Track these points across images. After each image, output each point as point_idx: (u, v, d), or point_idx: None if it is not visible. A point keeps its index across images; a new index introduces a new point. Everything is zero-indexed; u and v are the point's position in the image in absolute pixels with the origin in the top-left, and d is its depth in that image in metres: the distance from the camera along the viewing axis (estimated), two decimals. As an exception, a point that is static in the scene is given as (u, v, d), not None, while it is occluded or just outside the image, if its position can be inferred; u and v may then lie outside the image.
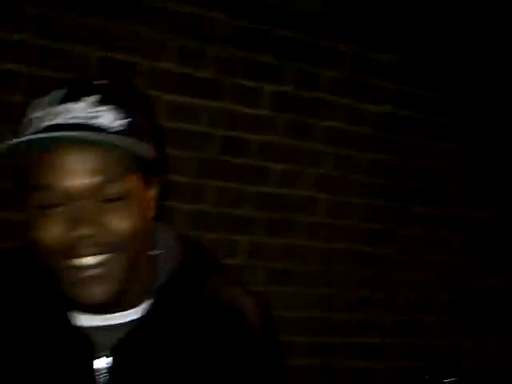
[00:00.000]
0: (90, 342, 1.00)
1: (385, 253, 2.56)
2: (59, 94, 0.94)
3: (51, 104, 0.94)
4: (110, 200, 0.93)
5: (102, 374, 1.00)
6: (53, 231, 0.92)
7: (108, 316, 1.02)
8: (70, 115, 0.92)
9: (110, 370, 1.00)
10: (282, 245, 2.37)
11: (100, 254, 0.94)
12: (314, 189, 2.42)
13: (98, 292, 0.95)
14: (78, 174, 0.92)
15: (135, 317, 1.02)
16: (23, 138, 0.92)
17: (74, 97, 0.94)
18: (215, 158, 2.22)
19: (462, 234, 2.72)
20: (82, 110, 0.93)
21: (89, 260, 0.93)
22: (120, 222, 0.94)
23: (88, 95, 0.94)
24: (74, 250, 0.92)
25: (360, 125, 2.48)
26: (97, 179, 0.93)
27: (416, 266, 2.62)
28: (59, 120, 0.92)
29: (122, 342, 1.01)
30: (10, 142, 0.91)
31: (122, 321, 1.02)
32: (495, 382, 2.72)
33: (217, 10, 2.17)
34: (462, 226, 2.71)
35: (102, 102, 0.94)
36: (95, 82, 0.98)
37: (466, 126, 2.68)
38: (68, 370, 0.99)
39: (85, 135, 0.91)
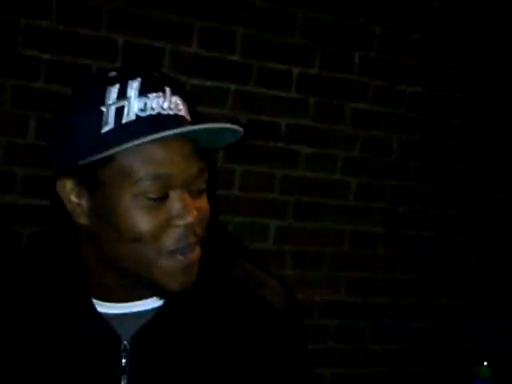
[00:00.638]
0: (113, 330, 1.00)
1: (418, 234, 2.53)
2: (136, 83, 0.96)
3: (142, 94, 0.95)
4: (199, 191, 0.99)
5: (122, 361, 1.00)
6: (159, 221, 0.95)
7: (130, 304, 1.02)
8: (166, 106, 0.96)
9: (131, 357, 1.00)
10: (311, 229, 2.35)
11: (196, 242, 0.98)
12: (344, 172, 2.39)
13: (190, 278, 0.99)
14: (193, 163, 0.96)
15: (157, 304, 1.02)
16: (194, 127, 0.95)
17: (153, 88, 0.96)
18: (243, 141, 2.20)
19: (501, 214, 2.66)
20: (172, 102, 0.97)
21: (191, 248, 0.97)
22: (206, 213, 1.00)
23: (163, 86, 0.97)
24: (181, 239, 0.96)
25: (391, 106, 2.43)
26: (204, 170, 0.98)
27: (453, 246, 2.58)
28: (168, 111, 0.96)
29: (143, 330, 1.01)
30: (169, 132, 0.93)
31: (143, 308, 1.02)
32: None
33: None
34: (500, 205, 2.66)
35: (174, 93, 0.98)
36: (155, 73, 1.02)
37: (503, 106, 2.61)
38: (94, 358, 0.99)
39: (232, 127, 0.98)
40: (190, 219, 0.95)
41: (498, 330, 2.50)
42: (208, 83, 2.10)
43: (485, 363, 2.40)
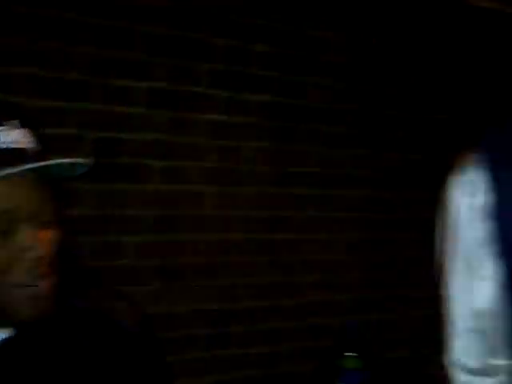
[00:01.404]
0: None
1: (279, 238, 2.60)
2: None
3: None
4: (49, 222, 0.99)
5: None
6: (7, 255, 0.94)
7: None
8: (12, 139, 0.95)
9: None
10: (170, 241, 2.37)
11: (47, 273, 0.98)
12: (200, 182, 2.43)
13: (43, 308, 0.98)
14: (38, 195, 0.97)
15: (7, 335, 1.02)
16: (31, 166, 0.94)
17: None
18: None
19: (359, 213, 2.78)
20: (18, 136, 0.96)
21: (42, 279, 0.97)
22: (56, 243, 1.00)
23: (11, 119, 0.97)
24: (31, 271, 0.95)
25: (241, 115, 2.49)
26: (50, 201, 0.99)
27: (313, 247, 2.67)
28: (14, 145, 0.95)
29: None
30: (12, 170, 0.92)
31: None
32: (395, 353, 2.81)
33: (77, 11, 2.14)
34: (355, 205, 2.78)
35: (22, 126, 0.97)
36: (3, 105, 1.01)
37: (349, 109, 2.74)
38: None
39: (74, 161, 0.99)
40: (39, 252, 0.96)
41: (358, 323, 2.61)
42: (48, 103, 2.08)
43: (349, 354, 2.49)
